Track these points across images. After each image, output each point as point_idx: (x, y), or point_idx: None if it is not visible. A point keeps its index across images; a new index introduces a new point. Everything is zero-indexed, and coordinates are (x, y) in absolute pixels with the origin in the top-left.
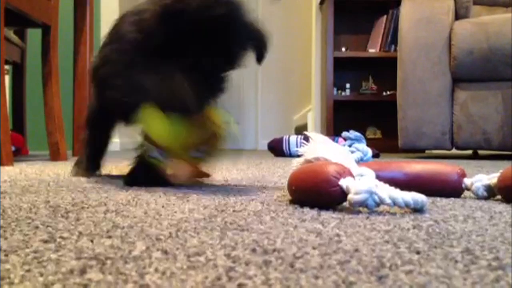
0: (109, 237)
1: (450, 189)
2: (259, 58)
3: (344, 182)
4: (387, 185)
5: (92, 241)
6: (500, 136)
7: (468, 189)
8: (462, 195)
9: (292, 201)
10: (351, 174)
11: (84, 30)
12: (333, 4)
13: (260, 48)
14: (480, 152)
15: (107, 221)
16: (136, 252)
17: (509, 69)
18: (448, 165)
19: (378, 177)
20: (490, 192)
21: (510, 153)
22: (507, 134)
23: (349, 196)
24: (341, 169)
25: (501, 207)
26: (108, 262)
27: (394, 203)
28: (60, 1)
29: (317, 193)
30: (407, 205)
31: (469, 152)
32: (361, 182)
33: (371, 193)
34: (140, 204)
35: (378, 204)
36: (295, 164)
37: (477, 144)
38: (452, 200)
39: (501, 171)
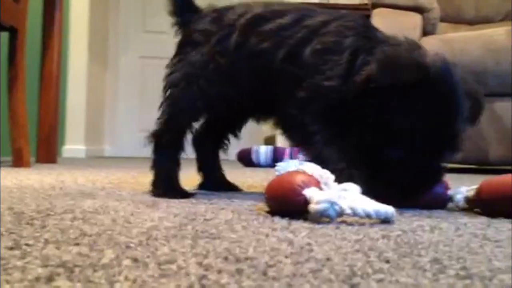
0: (77, 244)
1: (436, 201)
2: (474, 119)
3: (308, 192)
4: (365, 198)
5: (58, 248)
6: (463, 151)
7: (451, 200)
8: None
9: (263, 210)
10: (317, 185)
11: (52, 34)
12: None
13: (477, 109)
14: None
15: (74, 228)
16: (105, 260)
17: None
18: None
19: None
20: (470, 204)
21: (472, 166)
22: (469, 149)
23: (310, 206)
24: (308, 179)
25: (466, 218)
26: (76, 270)
27: (354, 213)
28: (28, 4)
29: (284, 201)
30: (368, 216)
31: None
32: (323, 192)
33: (331, 203)
34: (108, 211)
35: (340, 214)
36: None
37: None
38: (418, 211)
39: (477, 184)
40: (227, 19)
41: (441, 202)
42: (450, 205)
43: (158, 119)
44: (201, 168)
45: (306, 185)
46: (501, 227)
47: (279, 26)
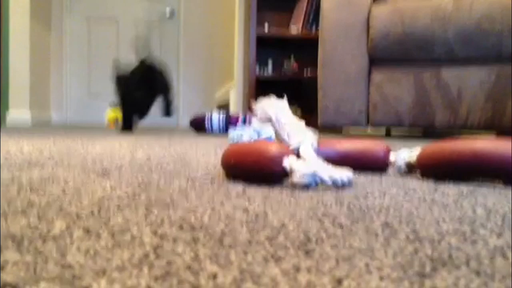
0: (25, 215)
1: (377, 165)
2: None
3: (287, 163)
4: (320, 160)
5: (6, 220)
6: (410, 116)
7: (392, 164)
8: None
9: (217, 178)
10: (293, 154)
11: None
12: None
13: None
14: (393, 132)
15: (21, 199)
16: (56, 230)
17: (421, 52)
18: (375, 143)
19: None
20: (411, 168)
21: (419, 133)
22: (417, 115)
23: (295, 178)
24: (284, 149)
25: (414, 183)
26: (25, 241)
27: (333, 183)
28: None
29: (259, 170)
30: (343, 184)
31: (383, 132)
32: (305, 164)
33: (314, 175)
34: (57, 181)
35: (318, 184)
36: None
37: (390, 123)
38: (369, 177)
39: (420, 148)
40: None
41: (382, 166)
42: (391, 169)
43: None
44: None
45: (284, 154)
46: (447, 191)
47: None
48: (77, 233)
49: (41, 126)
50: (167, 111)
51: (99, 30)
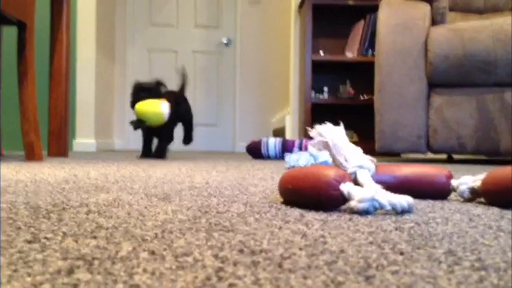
0: (94, 237)
1: (438, 191)
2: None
3: (345, 188)
4: (378, 186)
5: (77, 241)
6: (474, 141)
7: (454, 190)
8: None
9: (275, 202)
10: (350, 179)
11: (60, 28)
12: (312, 7)
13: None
14: (455, 156)
15: (90, 221)
16: (123, 252)
17: (483, 75)
18: (435, 168)
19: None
20: (475, 194)
21: (483, 157)
22: (480, 139)
23: (353, 204)
24: (342, 174)
25: (479, 210)
26: (96, 262)
27: (393, 208)
28: None
29: (316, 194)
30: (403, 209)
31: (444, 156)
32: (363, 190)
33: (373, 200)
34: (122, 205)
35: (376, 209)
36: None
37: (451, 148)
38: (431, 202)
39: (484, 174)
40: None
41: (443, 192)
42: (453, 195)
43: None
44: None
45: (342, 180)
46: None
47: None
48: (143, 255)
49: (105, 152)
50: (188, 138)
51: (159, 60)
